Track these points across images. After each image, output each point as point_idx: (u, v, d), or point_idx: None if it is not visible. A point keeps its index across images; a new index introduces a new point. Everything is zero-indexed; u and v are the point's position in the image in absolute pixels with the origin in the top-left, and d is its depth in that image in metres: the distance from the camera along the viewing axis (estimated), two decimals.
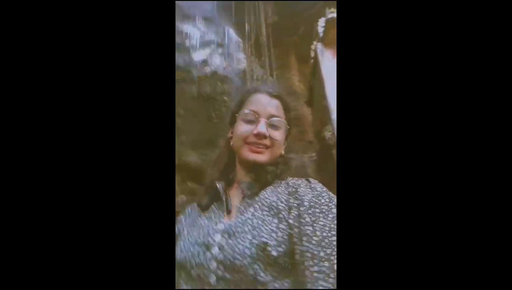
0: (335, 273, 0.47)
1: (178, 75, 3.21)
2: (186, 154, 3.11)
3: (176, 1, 3.23)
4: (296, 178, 0.67)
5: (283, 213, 0.57)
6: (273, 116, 0.70)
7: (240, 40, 3.26)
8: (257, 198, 0.63)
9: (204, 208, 0.71)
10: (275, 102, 0.73)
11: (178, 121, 3.35)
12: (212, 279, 0.53)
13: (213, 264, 0.54)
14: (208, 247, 0.57)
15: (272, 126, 0.69)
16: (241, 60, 3.31)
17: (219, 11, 3.23)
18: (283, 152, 0.73)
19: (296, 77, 3.28)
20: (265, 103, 0.71)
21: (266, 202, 0.61)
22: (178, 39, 3.26)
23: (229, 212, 0.65)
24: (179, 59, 3.26)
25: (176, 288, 0.56)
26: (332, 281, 0.46)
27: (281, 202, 0.59)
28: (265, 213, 0.59)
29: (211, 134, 3.25)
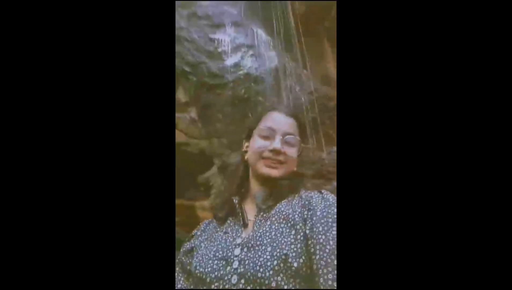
0: None
1: (213, 81, 3.35)
2: (228, 156, 3.19)
3: (202, 10, 3.41)
4: (309, 191, 0.69)
5: (300, 224, 0.58)
6: (288, 134, 0.73)
7: (269, 38, 3.24)
8: (272, 212, 0.65)
9: (220, 222, 0.73)
10: (291, 120, 0.76)
11: (217, 125, 3.49)
12: None
13: (234, 278, 0.56)
14: (228, 261, 0.59)
15: (287, 143, 0.72)
16: (272, 58, 3.29)
17: (246, 13, 3.26)
18: (295, 169, 0.75)
19: (332, 64, 3.10)
20: (281, 121, 0.74)
21: (282, 215, 0.63)
22: (210, 48, 3.41)
23: (245, 226, 0.67)
24: (213, 66, 3.40)
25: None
26: None
27: (297, 214, 0.61)
28: (282, 225, 0.60)
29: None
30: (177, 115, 3.09)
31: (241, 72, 3.29)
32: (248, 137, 0.78)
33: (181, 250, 0.71)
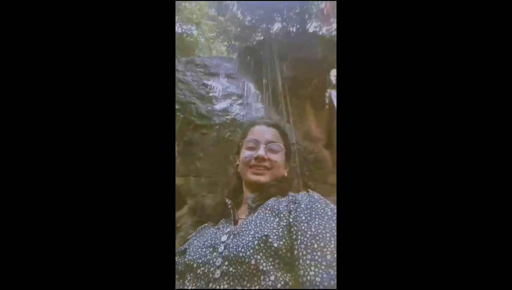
0: (327, 262, 0.50)
1: (200, 121, 3.47)
2: (203, 197, 3.11)
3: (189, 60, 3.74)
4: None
5: (284, 213, 0.61)
6: (270, 141, 0.78)
7: (258, 92, 3.58)
8: (260, 207, 0.68)
9: (214, 223, 0.75)
10: (272, 130, 0.81)
11: (198, 163, 3.47)
12: (217, 274, 0.56)
13: (219, 261, 0.58)
14: (215, 248, 0.62)
15: (271, 150, 0.77)
16: (259, 109, 3.56)
17: (240, 69, 3.64)
18: (285, 174, 0.79)
19: (313, 123, 3.43)
20: (263, 131, 0.80)
21: (268, 207, 0.65)
22: (203, 92, 3.62)
23: (236, 223, 0.70)
24: (202, 108, 3.56)
25: (180, 288, 0.61)
26: (324, 268, 0.49)
27: (282, 206, 0.64)
28: (267, 215, 0.63)
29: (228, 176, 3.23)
30: None
31: (228, 116, 3.47)
32: (238, 152, 0.82)
33: (176, 251, 0.74)
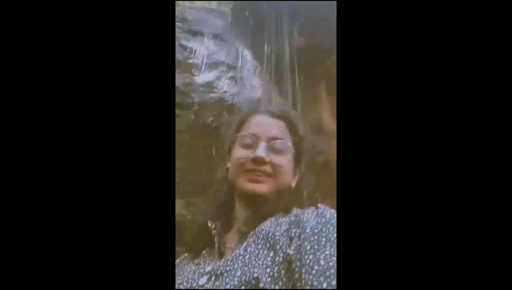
0: None
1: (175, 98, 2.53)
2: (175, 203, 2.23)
3: (180, 11, 2.73)
4: (303, 209, 0.57)
5: (282, 243, 0.49)
6: (275, 138, 0.64)
7: (256, 63, 2.63)
8: (252, 232, 0.56)
9: (193, 255, 0.63)
10: (278, 122, 0.67)
11: None
12: None
13: None
14: None
15: (275, 150, 0.63)
16: (256, 87, 2.62)
17: (233, 28, 2.63)
18: (293, 184, 0.65)
19: (327, 112, 2.55)
20: (266, 125, 0.66)
21: (262, 233, 0.54)
22: (179, 56, 2.64)
23: (221, 255, 0.58)
24: (178, 80, 2.59)
25: None
26: None
27: (280, 232, 0.51)
28: (259, 246, 0.51)
29: (209, 178, 2.45)
30: None
31: (213, 94, 2.51)
32: (229, 150, 0.69)
33: None
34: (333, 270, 0.41)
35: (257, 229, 0.55)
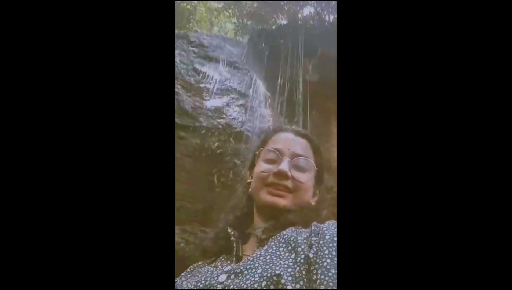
0: None
1: (180, 120, 2.46)
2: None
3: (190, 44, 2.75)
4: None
5: (303, 247, 0.51)
6: (298, 155, 0.64)
7: (268, 94, 2.59)
8: (273, 236, 0.56)
9: (210, 261, 0.62)
10: (302, 141, 0.67)
11: None
12: None
13: None
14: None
15: (297, 167, 0.63)
16: (266, 117, 2.56)
17: (248, 57, 2.64)
18: (313, 203, 0.65)
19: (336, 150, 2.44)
20: (290, 142, 0.66)
21: (283, 238, 0.54)
22: (192, 80, 2.61)
23: (238, 259, 0.58)
24: (188, 103, 2.54)
25: None
26: None
27: (301, 238, 0.53)
28: (281, 249, 0.52)
29: (208, 206, 2.28)
30: None
31: (221, 120, 2.45)
32: (252, 166, 0.68)
33: None
34: None
35: (278, 234, 0.57)
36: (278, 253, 0.52)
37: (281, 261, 0.50)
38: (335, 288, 0.44)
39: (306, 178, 0.64)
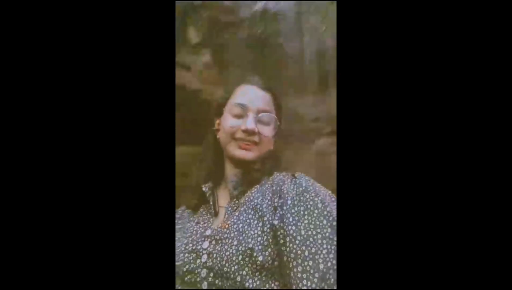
0: (320, 273, 0.46)
1: (227, 18, 2.93)
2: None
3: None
4: (282, 174, 0.66)
5: (268, 215, 0.57)
6: (262, 111, 0.69)
7: None
8: (242, 200, 0.64)
9: (193, 209, 0.71)
10: (266, 95, 0.72)
11: (232, 70, 3.10)
12: (204, 285, 0.54)
13: (204, 272, 0.55)
14: (197, 254, 0.58)
15: (261, 121, 0.68)
16: None
17: None
18: (272, 148, 0.71)
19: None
20: (254, 96, 0.70)
21: (251, 204, 0.61)
22: None
23: (216, 214, 0.66)
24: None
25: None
26: (316, 281, 0.45)
27: (266, 203, 0.59)
28: (250, 216, 0.59)
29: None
30: (189, 57, 2.78)
31: (257, 7, 2.87)
32: (218, 114, 0.73)
33: None
34: (312, 239, 0.48)
35: (246, 196, 0.63)
36: (248, 221, 0.57)
37: (251, 231, 0.54)
38: (305, 253, 0.47)
39: (269, 131, 0.69)
